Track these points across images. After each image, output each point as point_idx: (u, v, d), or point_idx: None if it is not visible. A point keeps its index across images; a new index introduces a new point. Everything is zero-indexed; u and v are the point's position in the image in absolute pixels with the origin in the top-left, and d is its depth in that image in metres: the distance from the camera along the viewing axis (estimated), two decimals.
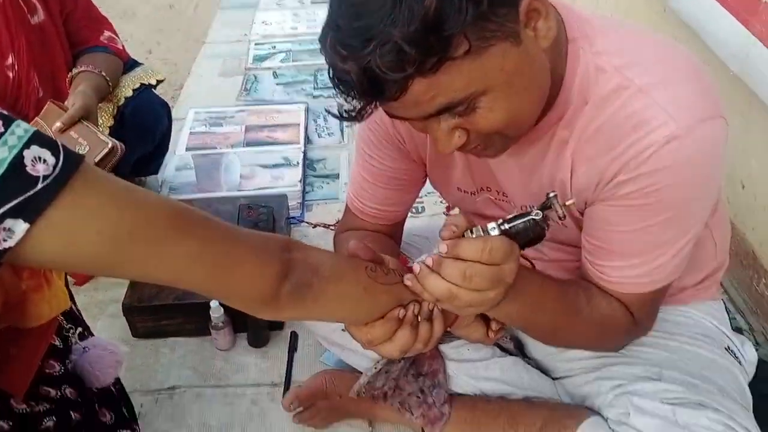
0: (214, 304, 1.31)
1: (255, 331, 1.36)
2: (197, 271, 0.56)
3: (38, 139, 0.47)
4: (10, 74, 1.36)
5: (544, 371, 1.14)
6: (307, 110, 2.21)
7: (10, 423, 0.62)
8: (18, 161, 0.45)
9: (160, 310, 1.36)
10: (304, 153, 1.99)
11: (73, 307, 0.86)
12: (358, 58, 0.61)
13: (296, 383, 1.28)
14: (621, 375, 0.99)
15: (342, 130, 2.15)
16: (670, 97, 0.73)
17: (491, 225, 0.69)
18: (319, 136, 2.13)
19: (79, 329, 0.83)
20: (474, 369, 1.12)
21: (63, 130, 1.30)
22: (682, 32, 1.65)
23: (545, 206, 0.69)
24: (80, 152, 1.26)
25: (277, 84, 2.42)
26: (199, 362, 1.36)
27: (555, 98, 0.78)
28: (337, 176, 1.95)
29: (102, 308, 1.46)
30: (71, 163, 0.48)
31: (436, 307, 0.76)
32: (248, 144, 2.04)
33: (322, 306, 0.67)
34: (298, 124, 2.13)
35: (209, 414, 1.26)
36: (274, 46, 2.69)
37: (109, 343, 0.82)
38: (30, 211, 0.45)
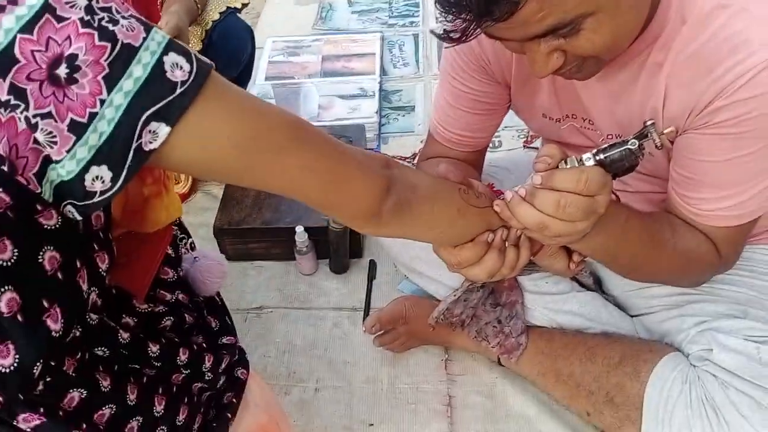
0: (299, 229, 1.37)
1: (336, 258, 1.42)
2: (311, 182, 0.58)
3: (174, 46, 0.50)
4: None
5: (622, 308, 1.14)
6: (382, 39, 2.19)
7: (135, 320, 0.68)
8: (159, 67, 0.48)
9: (248, 233, 1.43)
10: (380, 84, 1.99)
11: (182, 220, 0.92)
12: None
13: (375, 309, 1.33)
14: (704, 312, 0.99)
15: (418, 61, 2.12)
16: None
17: (586, 155, 0.68)
18: (395, 66, 2.12)
19: (191, 240, 0.89)
20: (552, 302, 1.14)
21: None
22: None
23: (642, 135, 0.67)
24: None
25: (351, 12, 2.39)
26: (284, 285, 1.44)
27: (651, 18, 0.75)
28: (413, 109, 1.94)
29: (193, 231, 1.51)
30: (203, 70, 0.50)
31: (524, 233, 0.77)
32: (325, 74, 2.05)
33: (419, 224, 0.69)
34: (374, 54, 2.11)
35: (294, 333, 1.34)
36: None
37: (217, 254, 0.87)
38: (171, 115, 0.48)
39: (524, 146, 1.71)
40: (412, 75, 2.07)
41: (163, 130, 0.48)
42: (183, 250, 0.85)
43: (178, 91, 0.48)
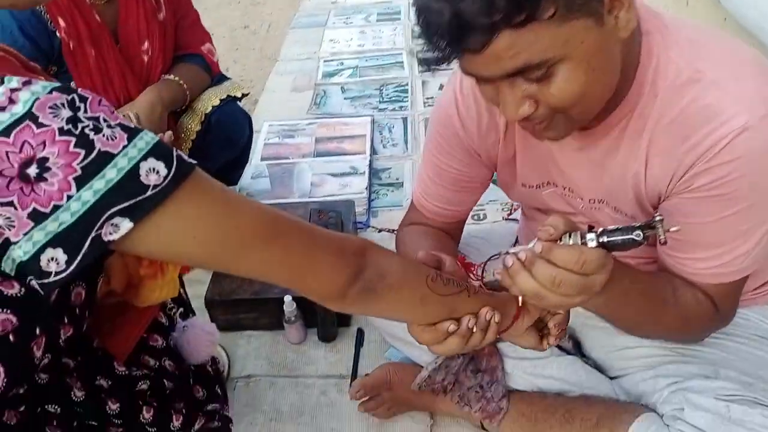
0: (287, 299, 1.41)
1: (324, 326, 1.45)
2: (278, 273, 0.64)
3: (157, 151, 0.54)
4: (145, 58, 1.57)
5: (601, 371, 1.17)
6: (372, 122, 2.31)
7: (110, 382, 0.71)
8: (134, 171, 0.52)
9: (238, 304, 1.47)
10: (370, 162, 2.09)
11: (181, 290, 0.96)
12: (451, 1, 0.64)
13: (362, 376, 1.35)
14: (677, 373, 1.02)
15: (406, 142, 2.23)
16: (741, 90, 0.77)
17: (590, 236, 0.69)
18: (384, 146, 2.23)
19: (181, 309, 0.92)
20: (532, 367, 1.16)
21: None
22: (743, 38, 1.66)
23: (648, 227, 0.67)
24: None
25: (344, 98, 2.54)
26: (273, 354, 1.46)
27: (628, 89, 0.81)
28: (402, 185, 2.03)
29: None
30: (181, 174, 0.54)
31: (494, 319, 0.79)
32: (318, 154, 2.15)
33: (381, 308, 0.75)
34: (365, 135, 2.23)
35: (282, 401, 1.35)
36: (342, 63, 2.81)
37: (207, 324, 0.90)
38: (136, 213, 0.52)
39: (505, 218, 1.77)
40: (401, 154, 2.18)
41: (125, 224, 0.52)
42: (175, 319, 0.88)
43: (149, 193, 0.53)
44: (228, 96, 1.74)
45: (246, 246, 0.59)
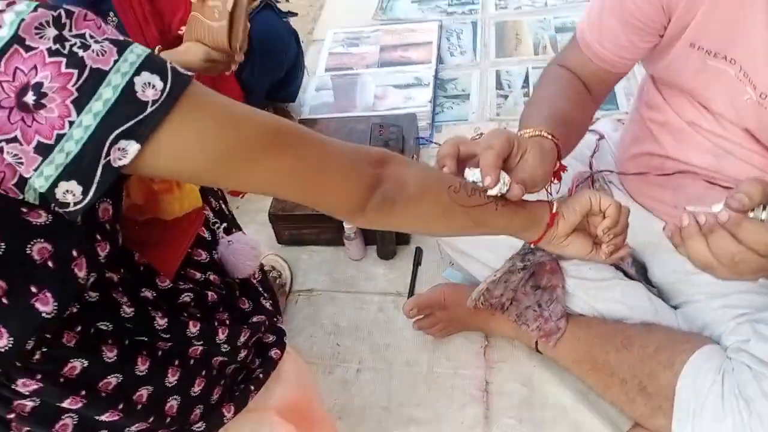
0: None
1: (384, 244, 1.46)
2: (290, 186, 0.62)
3: (149, 64, 0.52)
4: None
5: (664, 300, 1.12)
6: (440, 28, 2.20)
7: (155, 294, 0.73)
8: (129, 87, 0.50)
9: (300, 219, 1.50)
10: (436, 73, 2.00)
11: (223, 206, 0.97)
12: None
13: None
14: (748, 303, 0.97)
15: (475, 49, 2.11)
16: None
17: None
18: (452, 54, 2.12)
19: (224, 224, 0.94)
20: (594, 288, 1.13)
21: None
22: None
23: None
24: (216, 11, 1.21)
25: (411, 2, 2.41)
26: (333, 269, 1.49)
27: None
28: (468, 97, 1.94)
29: (252, 217, 1.63)
30: (178, 86, 0.52)
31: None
32: (382, 64, 2.08)
33: (402, 220, 0.72)
34: (431, 43, 2.13)
35: (340, 316, 1.39)
36: None
37: (251, 239, 0.90)
38: (141, 134, 0.51)
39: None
40: (469, 63, 2.07)
41: (132, 147, 0.51)
42: (219, 234, 0.90)
43: (149, 110, 0.51)
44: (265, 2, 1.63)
45: (255, 157, 0.58)
